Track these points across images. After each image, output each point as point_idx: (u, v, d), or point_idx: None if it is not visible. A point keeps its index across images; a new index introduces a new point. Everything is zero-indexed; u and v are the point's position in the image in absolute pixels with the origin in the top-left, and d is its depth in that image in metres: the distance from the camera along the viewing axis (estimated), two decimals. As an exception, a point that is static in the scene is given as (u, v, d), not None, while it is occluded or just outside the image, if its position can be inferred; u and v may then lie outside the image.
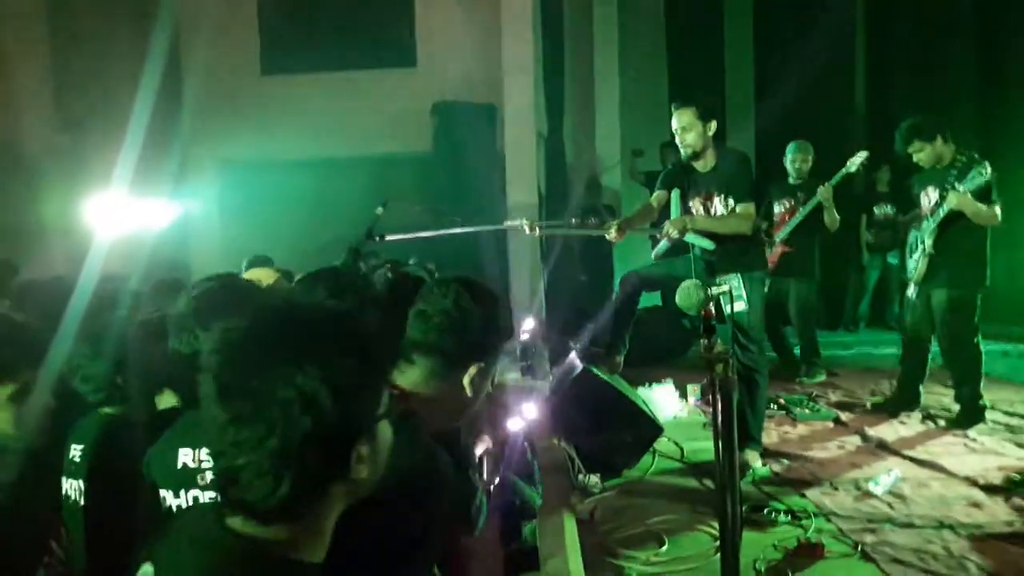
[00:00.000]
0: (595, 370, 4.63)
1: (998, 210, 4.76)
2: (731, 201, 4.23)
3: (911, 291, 5.14)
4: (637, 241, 8.48)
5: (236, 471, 1.00)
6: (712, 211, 4.29)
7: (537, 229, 4.72)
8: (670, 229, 4.22)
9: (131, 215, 6.44)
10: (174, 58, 7.58)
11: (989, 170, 4.68)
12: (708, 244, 4.26)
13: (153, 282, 3.79)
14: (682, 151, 4.26)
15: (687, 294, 2.57)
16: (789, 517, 3.63)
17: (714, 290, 2.59)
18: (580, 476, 4.06)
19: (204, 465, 1.75)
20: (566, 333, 6.42)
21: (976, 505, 3.79)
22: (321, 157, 7.63)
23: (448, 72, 8.03)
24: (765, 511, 3.67)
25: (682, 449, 4.61)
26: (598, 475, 4.13)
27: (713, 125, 4.22)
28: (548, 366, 5.45)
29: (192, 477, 1.75)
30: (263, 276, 3.72)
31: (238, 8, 8.05)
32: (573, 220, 8.48)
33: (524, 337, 5.65)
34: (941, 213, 4.83)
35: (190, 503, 1.75)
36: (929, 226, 4.93)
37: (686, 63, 9.65)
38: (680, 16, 9.93)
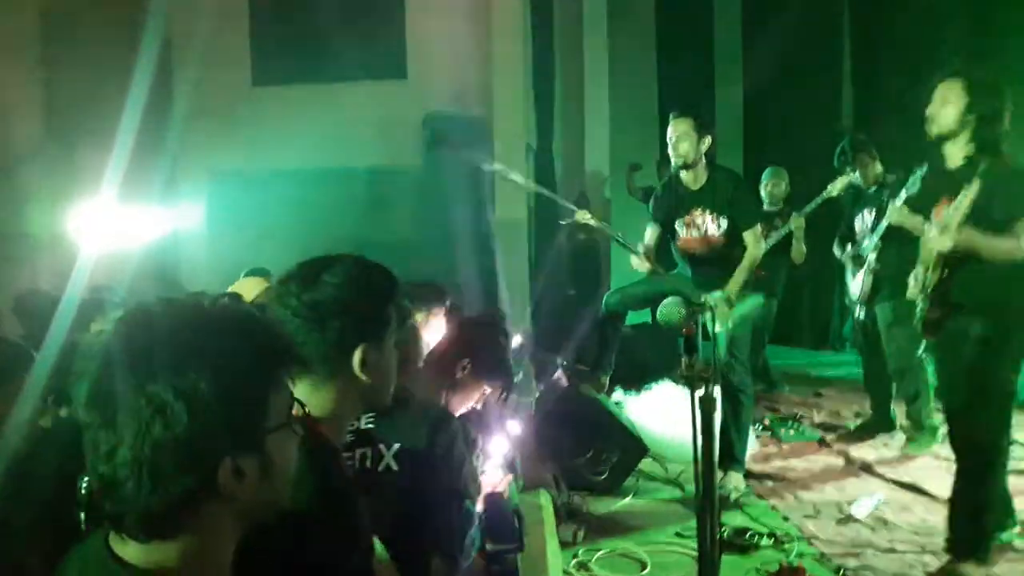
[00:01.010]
0: (581, 388, 4.65)
1: None
2: (724, 222, 4.25)
3: (860, 313, 5.12)
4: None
5: (100, 480, 0.98)
6: (703, 229, 4.30)
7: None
8: (720, 317, 4.22)
9: (120, 225, 6.42)
10: (165, 68, 7.57)
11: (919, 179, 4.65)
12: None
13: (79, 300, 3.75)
14: (674, 160, 4.27)
15: (669, 310, 2.59)
16: (771, 540, 3.65)
17: (696, 306, 2.61)
18: (564, 496, 4.06)
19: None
20: (553, 349, 6.44)
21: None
22: (311, 168, 7.63)
23: (439, 84, 8.05)
24: (747, 534, 3.69)
25: (667, 469, 4.61)
26: (582, 495, 4.14)
27: (708, 140, 4.25)
28: (534, 383, 5.45)
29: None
30: (249, 286, 3.70)
31: (230, 19, 8.05)
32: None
33: (511, 352, 5.64)
34: (882, 227, 4.72)
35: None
36: (872, 242, 4.86)
37: (676, 79, 9.70)
38: (671, 31, 9.99)
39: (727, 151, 8.80)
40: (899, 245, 4.73)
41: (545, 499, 3.79)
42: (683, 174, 4.33)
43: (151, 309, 1.04)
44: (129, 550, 1.01)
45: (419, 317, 3.19)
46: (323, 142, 7.67)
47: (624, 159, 8.82)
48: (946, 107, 3.13)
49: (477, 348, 2.75)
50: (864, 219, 5.07)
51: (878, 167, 5.11)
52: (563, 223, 5.14)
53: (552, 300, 7.86)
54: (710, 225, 4.28)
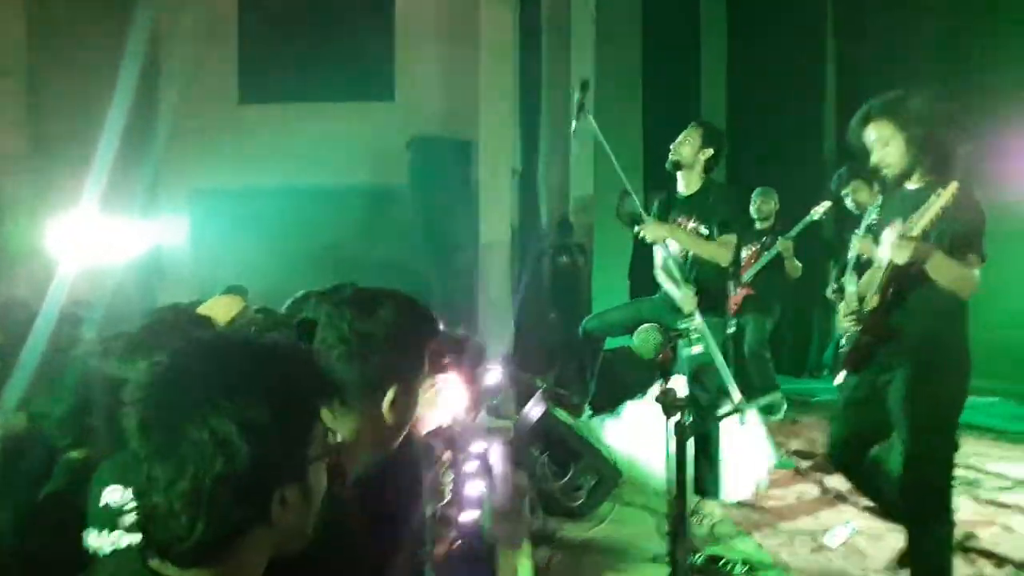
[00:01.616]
0: (558, 413, 4.65)
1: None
2: (704, 229, 4.33)
3: (844, 342, 5.14)
4: (615, 280, 8.58)
5: (152, 509, 0.99)
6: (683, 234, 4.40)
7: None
8: (646, 232, 4.26)
9: (101, 240, 6.39)
10: (151, 83, 7.58)
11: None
12: (675, 292, 4.32)
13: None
14: (670, 156, 4.41)
15: (644, 339, 2.61)
16: (745, 568, 3.65)
17: (674, 333, 2.63)
18: (539, 521, 4.05)
19: (127, 507, 1.70)
20: (534, 372, 6.44)
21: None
22: (296, 187, 7.63)
23: (426, 106, 8.10)
24: (721, 563, 3.69)
25: (643, 495, 4.60)
26: (558, 520, 4.13)
27: (708, 151, 4.36)
28: (514, 406, 5.44)
29: (113, 518, 1.71)
30: (225, 304, 3.69)
31: (217, 35, 8.08)
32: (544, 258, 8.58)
33: (490, 375, 5.65)
34: (852, 258, 4.78)
35: (111, 544, 1.69)
36: (847, 274, 4.88)
37: (661, 105, 9.79)
38: (656, 58, 10.09)
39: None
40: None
41: (525, 569, 3.74)
42: (679, 182, 4.44)
43: (204, 341, 1.08)
44: (160, 565, 1.02)
45: None
46: (308, 161, 7.69)
47: (608, 184, 8.85)
48: (887, 148, 3.05)
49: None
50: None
51: (873, 194, 5.09)
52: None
53: (533, 323, 7.87)
54: (689, 229, 4.38)
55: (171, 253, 7.67)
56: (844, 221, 5.41)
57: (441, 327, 1.77)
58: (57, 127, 7.00)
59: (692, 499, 4.30)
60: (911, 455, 3.00)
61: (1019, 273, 7.02)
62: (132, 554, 1.08)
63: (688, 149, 4.35)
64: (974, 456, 5.55)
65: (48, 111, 7.26)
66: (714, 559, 3.71)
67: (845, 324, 3.21)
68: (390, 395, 1.58)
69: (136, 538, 1.67)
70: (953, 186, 2.81)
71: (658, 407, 2.41)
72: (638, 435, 4.99)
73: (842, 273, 5.22)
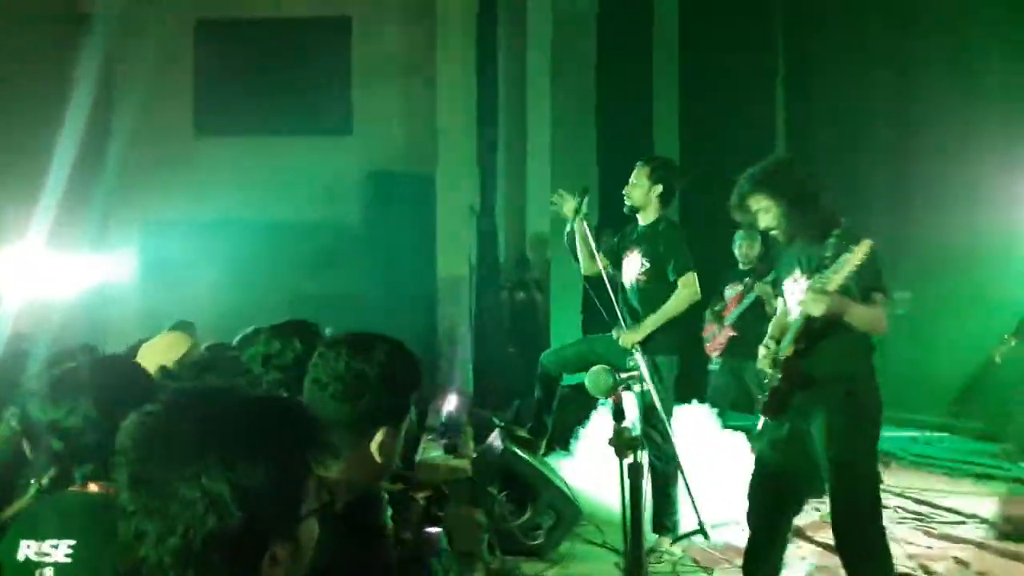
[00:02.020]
0: (518, 450, 4.62)
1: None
2: (646, 263, 4.39)
3: None
4: (572, 316, 8.60)
5: (139, 563, 0.97)
6: (632, 266, 4.49)
7: None
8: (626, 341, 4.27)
9: (47, 274, 6.23)
10: (104, 114, 7.47)
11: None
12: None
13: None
14: (625, 201, 4.51)
15: (595, 380, 2.61)
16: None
17: (623, 375, 2.64)
18: (498, 561, 3.99)
19: (46, 559, 1.66)
20: (493, 408, 6.40)
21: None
22: (251, 221, 7.54)
23: (383, 141, 8.09)
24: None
25: (603, 533, 4.58)
26: (516, 559, 4.07)
27: (659, 188, 4.43)
28: (472, 443, 5.39)
29: (32, 572, 1.66)
30: (172, 341, 3.58)
31: (173, 66, 8.00)
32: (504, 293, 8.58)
33: (448, 412, 5.59)
34: None
35: None
36: None
37: (615, 142, 9.92)
38: (610, 96, 10.25)
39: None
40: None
41: (478, 565, 3.72)
42: (639, 217, 4.52)
43: (194, 394, 1.06)
44: None
45: None
46: (264, 195, 7.62)
47: (564, 221, 8.93)
48: (770, 215, 3.25)
49: None
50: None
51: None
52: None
53: (492, 359, 7.85)
54: (635, 263, 4.46)
55: (121, 286, 7.50)
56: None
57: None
58: (4, 158, 6.84)
59: (652, 537, 4.29)
60: (839, 496, 3.17)
61: (971, 313, 7.20)
62: None
63: (638, 192, 4.44)
64: (927, 491, 5.65)
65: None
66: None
67: (764, 370, 3.33)
68: (380, 436, 1.63)
69: None
70: (866, 244, 2.98)
71: (611, 448, 2.40)
72: (596, 472, 4.98)
73: None
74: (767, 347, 3.32)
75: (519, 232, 9.50)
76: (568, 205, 4.50)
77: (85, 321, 6.71)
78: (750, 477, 3.39)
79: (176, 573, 0.95)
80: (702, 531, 4.18)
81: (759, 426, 3.42)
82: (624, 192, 4.49)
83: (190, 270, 7.18)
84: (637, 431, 2.40)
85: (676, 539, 4.24)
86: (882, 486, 4.75)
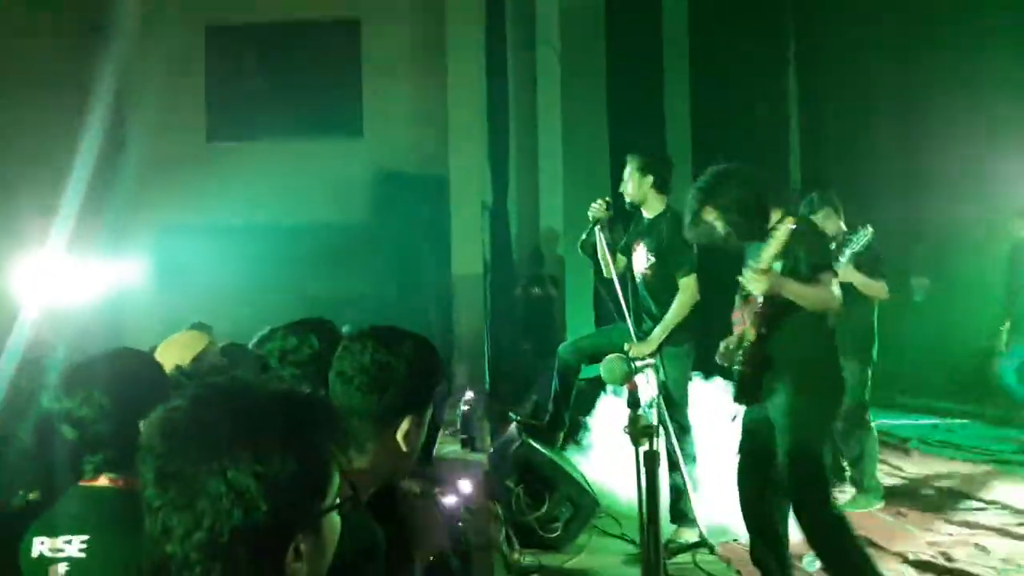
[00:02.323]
0: (535, 443, 4.62)
1: (884, 285, 4.86)
2: (652, 258, 4.42)
3: None
4: (588, 310, 8.60)
5: (165, 559, 0.97)
6: (638, 260, 4.51)
7: None
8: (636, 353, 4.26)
9: (65, 280, 6.30)
10: (119, 120, 7.54)
11: (870, 235, 4.73)
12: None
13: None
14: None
15: (610, 368, 2.60)
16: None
17: (639, 363, 2.63)
18: (516, 553, 4.00)
19: (60, 555, 1.67)
20: (509, 403, 6.40)
21: (908, 582, 3.84)
22: (265, 225, 7.60)
23: (395, 143, 8.13)
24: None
25: (621, 525, 4.58)
26: (535, 552, 4.08)
27: (650, 179, 4.44)
28: (489, 438, 5.41)
29: (45, 569, 1.67)
30: (189, 340, 3.62)
31: (185, 73, 8.07)
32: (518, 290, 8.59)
33: (465, 407, 5.61)
34: None
35: None
36: None
37: (627, 139, 9.90)
38: (622, 93, 10.22)
39: (674, 198, 8.99)
40: (848, 304, 4.82)
41: (496, 557, 3.73)
42: (644, 210, 4.54)
43: (222, 388, 1.06)
44: None
45: None
46: (277, 199, 7.67)
47: (578, 217, 8.91)
48: (722, 223, 3.34)
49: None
50: None
51: (840, 223, 5.10)
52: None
53: (508, 355, 7.86)
54: (642, 257, 4.47)
55: (138, 291, 7.57)
56: None
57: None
58: (23, 167, 6.92)
59: (670, 528, 4.29)
60: (795, 479, 3.22)
61: (990, 298, 7.14)
62: None
63: (631, 186, 4.47)
64: (949, 478, 5.60)
65: (14, 151, 7.18)
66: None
67: (724, 357, 3.41)
68: (405, 425, 1.66)
69: None
70: (787, 222, 3.11)
71: (627, 436, 2.40)
72: (613, 464, 4.98)
73: None
74: (727, 343, 3.40)
75: (533, 228, 9.52)
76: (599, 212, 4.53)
77: (102, 326, 6.78)
78: (736, 467, 3.44)
79: (203, 568, 0.96)
80: (704, 543, 4.17)
81: (738, 414, 3.44)
82: (620, 191, 4.55)
83: (206, 274, 7.24)
84: (652, 419, 2.39)
85: (680, 550, 4.22)
86: (901, 474, 4.76)
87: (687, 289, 4.29)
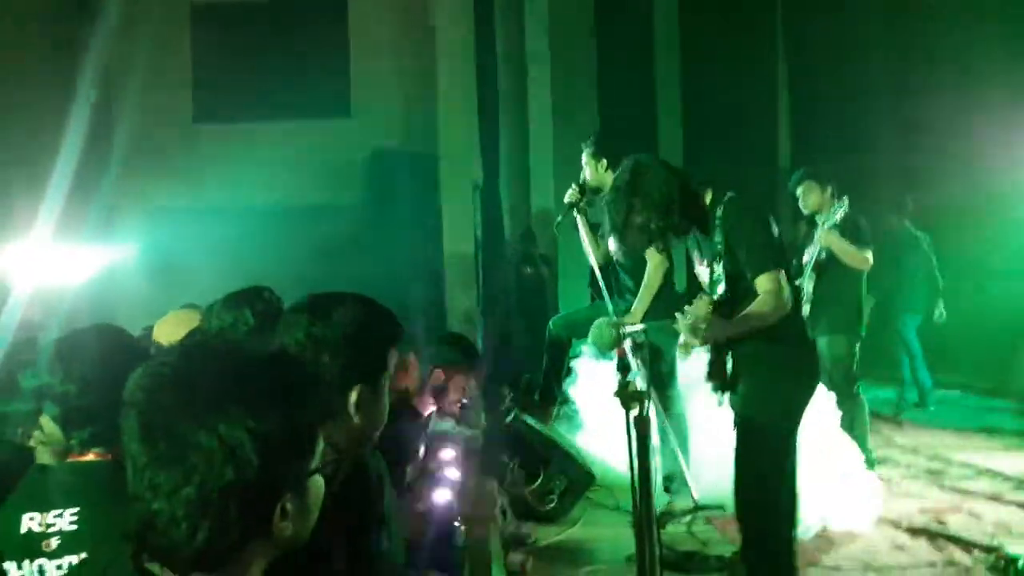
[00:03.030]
0: (528, 418, 4.64)
1: (869, 254, 4.82)
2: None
3: None
4: (579, 288, 8.59)
5: (152, 516, 0.96)
6: (610, 241, 4.47)
7: None
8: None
9: (54, 263, 6.25)
10: (104, 103, 7.47)
11: (846, 205, 4.73)
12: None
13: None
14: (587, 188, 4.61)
15: (599, 332, 2.57)
16: (720, 565, 3.64)
17: (629, 328, 2.61)
18: (511, 525, 4.01)
19: (51, 530, 1.66)
20: (502, 380, 6.41)
21: (900, 548, 3.87)
22: (253, 206, 7.55)
23: (383, 122, 8.07)
24: (695, 558, 3.68)
25: (615, 495, 4.59)
26: (529, 524, 4.09)
27: (604, 163, 4.49)
28: (483, 415, 5.41)
29: (37, 543, 1.66)
30: (180, 319, 3.62)
31: (171, 54, 7.99)
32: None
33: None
34: (815, 255, 4.79)
35: (34, 574, 1.64)
36: (806, 273, 4.84)
37: (617, 117, 9.88)
38: (612, 72, 10.19)
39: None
40: (831, 276, 4.82)
41: (492, 530, 3.74)
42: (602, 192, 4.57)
43: (212, 346, 1.07)
44: (158, 568, 1.00)
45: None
46: (265, 180, 7.62)
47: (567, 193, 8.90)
48: (643, 219, 3.01)
49: None
50: (810, 250, 5.12)
51: (823, 197, 5.03)
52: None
53: (501, 333, 7.85)
54: (612, 239, 4.43)
55: (127, 274, 7.53)
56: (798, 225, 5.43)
57: (400, 327, 1.71)
58: (7, 150, 6.86)
59: (664, 498, 4.31)
60: (737, 459, 2.99)
61: (975, 274, 7.20)
62: (125, 556, 1.03)
63: (588, 172, 4.53)
64: (940, 447, 5.65)
65: (-1, 135, 7.11)
66: (688, 556, 3.71)
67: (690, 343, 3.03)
68: (354, 396, 1.56)
69: (61, 562, 1.63)
70: (706, 194, 2.88)
71: (616, 401, 2.38)
72: (607, 436, 4.99)
73: (799, 271, 5.28)
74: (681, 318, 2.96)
75: (524, 207, 9.49)
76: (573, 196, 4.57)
77: (91, 310, 6.73)
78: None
79: (190, 525, 0.95)
80: (699, 509, 4.18)
81: (721, 400, 3.12)
82: (580, 178, 4.59)
83: (194, 256, 7.19)
84: (643, 384, 2.37)
85: (673, 516, 4.23)
86: (894, 444, 4.75)
87: (652, 259, 4.36)
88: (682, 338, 2.84)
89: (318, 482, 1.08)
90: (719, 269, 2.90)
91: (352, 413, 1.56)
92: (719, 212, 2.88)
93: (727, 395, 3.05)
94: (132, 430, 0.98)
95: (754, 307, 2.83)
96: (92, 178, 6.86)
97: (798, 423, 2.99)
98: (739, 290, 2.88)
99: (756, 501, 2.97)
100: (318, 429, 1.06)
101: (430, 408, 3.23)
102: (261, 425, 0.96)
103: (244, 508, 0.97)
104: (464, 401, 3.55)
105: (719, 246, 2.89)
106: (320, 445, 1.07)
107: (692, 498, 4.26)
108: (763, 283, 2.81)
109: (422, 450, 3.01)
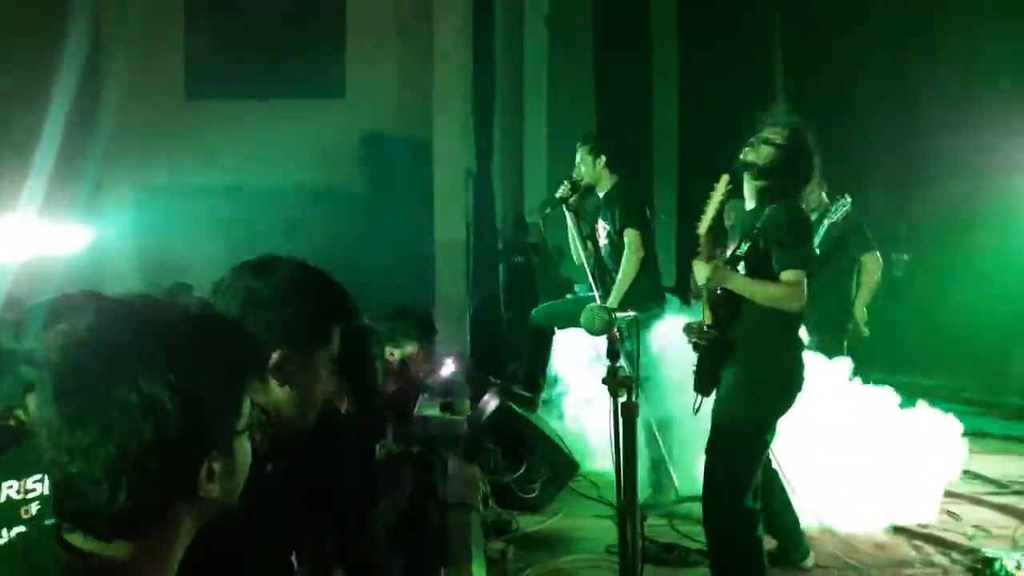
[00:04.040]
0: (514, 407, 4.63)
1: (879, 255, 4.89)
2: (608, 225, 4.65)
3: None
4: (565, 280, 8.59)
5: (69, 480, 0.92)
6: (600, 235, 4.74)
7: None
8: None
9: (42, 240, 6.20)
10: (95, 77, 7.39)
11: (848, 204, 4.79)
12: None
13: None
14: (580, 183, 4.75)
15: (590, 317, 2.57)
16: (700, 557, 3.64)
17: (620, 314, 2.62)
18: (493, 514, 4.01)
19: (30, 496, 1.65)
20: (489, 369, 6.41)
21: (879, 547, 3.88)
22: (244, 185, 7.50)
23: (378, 105, 8.02)
24: (676, 551, 3.69)
25: (598, 486, 4.60)
26: (512, 512, 4.10)
27: (603, 159, 4.67)
28: (469, 402, 5.42)
29: (16, 511, 1.65)
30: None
31: (163, 29, 7.90)
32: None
33: (446, 372, 5.63)
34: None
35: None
36: None
37: (613, 109, 9.86)
38: (609, 63, 10.15)
39: (663, 180, 8.99)
40: (824, 275, 4.83)
41: (473, 516, 3.74)
42: (598, 189, 4.74)
43: (133, 302, 1.00)
44: (80, 539, 0.95)
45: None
46: (257, 159, 7.56)
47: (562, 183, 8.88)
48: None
49: None
50: None
51: (822, 195, 5.06)
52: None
53: (489, 321, 7.84)
54: (602, 230, 4.69)
55: (116, 252, 7.47)
56: None
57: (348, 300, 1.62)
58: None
59: (647, 491, 4.32)
60: (708, 465, 3.01)
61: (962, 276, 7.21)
62: (46, 529, 1.00)
63: (586, 168, 4.67)
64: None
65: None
66: (668, 547, 3.71)
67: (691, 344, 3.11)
68: (275, 357, 1.44)
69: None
70: (723, 180, 2.98)
71: (606, 386, 2.39)
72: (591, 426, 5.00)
73: None
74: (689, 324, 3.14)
75: (517, 195, 9.47)
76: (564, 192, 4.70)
77: (79, 287, 6.69)
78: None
79: (110, 484, 0.91)
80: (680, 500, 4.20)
81: (696, 405, 3.14)
82: (573, 176, 4.72)
83: (184, 235, 7.15)
84: (630, 371, 2.38)
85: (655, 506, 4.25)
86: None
87: (631, 242, 4.50)
88: (699, 276, 2.91)
89: (245, 444, 1.04)
90: (744, 247, 2.96)
91: (272, 377, 1.44)
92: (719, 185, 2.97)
93: (703, 399, 3.08)
94: (46, 393, 0.94)
95: (770, 285, 2.90)
96: (81, 153, 6.80)
97: (773, 432, 3.05)
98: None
99: (721, 501, 2.98)
100: (244, 388, 1.03)
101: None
102: (183, 380, 0.93)
103: (166, 466, 0.93)
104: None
105: (756, 232, 2.93)
106: (247, 406, 1.04)
107: (674, 489, 4.27)
108: (788, 276, 2.89)
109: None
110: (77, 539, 0.95)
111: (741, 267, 2.97)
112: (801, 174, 3.08)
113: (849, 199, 4.83)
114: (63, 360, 0.94)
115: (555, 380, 5.10)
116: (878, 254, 4.92)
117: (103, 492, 0.91)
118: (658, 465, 4.37)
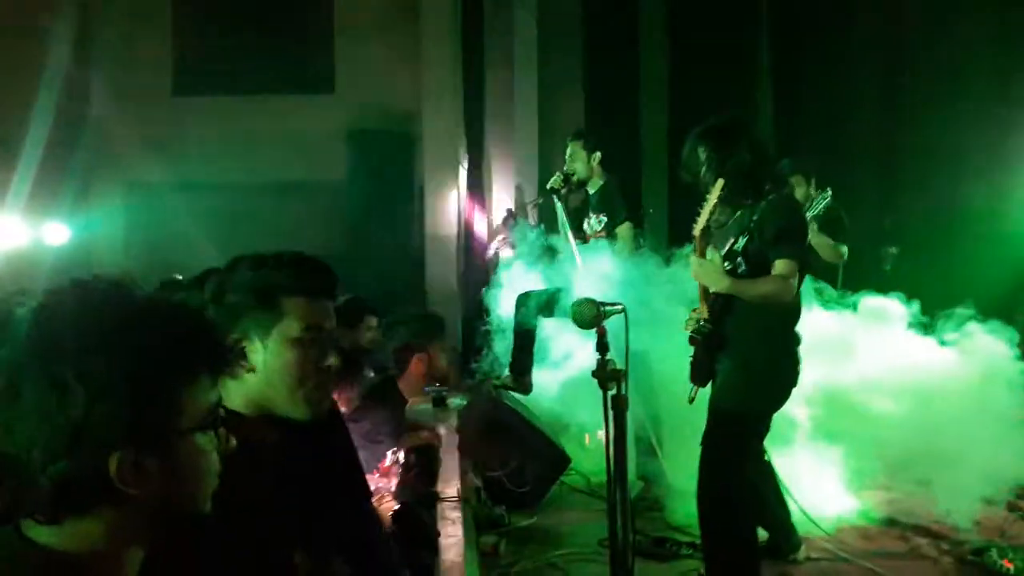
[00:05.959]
0: (505, 399, 4.63)
1: (844, 250, 4.98)
2: (603, 217, 4.76)
3: None
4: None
5: (2, 456, 0.94)
6: (592, 228, 4.84)
7: None
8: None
9: (26, 237, 6.17)
10: (82, 73, 7.34)
11: (829, 197, 4.87)
12: None
13: None
14: (572, 177, 4.88)
15: (580, 311, 2.55)
16: (691, 550, 3.66)
17: (609, 307, 2.60)
18: (486, 508, 4.02)
19: None
20: (480, 363, 6.40)
21: (867, 538, 3.91)
22: (232, 182, 7.46)
23: (366, 99, 7.99)
24: (667, 544, 3.70)
25: (589, 480, 4.61)
26: (504, 507, 4.10)
27: (597, 156, 4.80)
28: (460, 396, 5.41)
29: None
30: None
31: (150, 25, 7.86)
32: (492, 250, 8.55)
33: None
34: None
35: None
36: None
37: (603, 103, 9.84)
38: (599, 58, 10.14)
39: (653, 176, 8.98)
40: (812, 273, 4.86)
41: (465, 511, 3.74)
42: (588, 185, 4.88)
43: (69, 290, 1.00)
44: (38, 531, 0.97)
45: None
46: (245, 155, 7.53)
47: (552, 177, 8.87)
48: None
49: None
50: None
51: (809, 190, 5.11)
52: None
53: (480, 316, 7.82)
54: (594, 223, 4.80)
55: (104, 247, 7.44)
56: None
57: (324, 284, 1.62)
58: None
59: (638, 484, 4.33)
60: (703, 456, 3.06)
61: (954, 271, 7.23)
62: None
63: (580, 165, 4.79)
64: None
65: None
66: (659, 541, 3.73)
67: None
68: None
69: None
70: (718, 184, 2.97)
71: (596, 378, 2.37)
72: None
73: None
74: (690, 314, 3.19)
75: (508, 188, 9.43)
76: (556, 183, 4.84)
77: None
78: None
79: (25, 461, 0.93)
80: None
81: (691, 395, 3.19)
82: (566, 170, 4.83)
83: (173, 230, 7.12)
84: (620, 363, 2.37)
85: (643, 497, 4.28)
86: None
87: (623, 237, 4.61)
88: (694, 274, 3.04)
89: (192, 446, 1.01)
90: (741, 242, 3.00)
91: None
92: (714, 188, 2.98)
93: (698, 389, 3.15)
94: None
95: (759, 282, 2.96)
96: (68, 150, 6.76)
97: (766, 426, 3.12)
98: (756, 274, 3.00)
99: (714, 493, 3.03)
100: (186, 384, 1.00)
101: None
102: (90, 367, 0.93)
103: (69, 448, 0.93)
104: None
105: (752, 226, 2.98)
106: (203, 404, 1.02)
107: (666, 482, 4.28)
108: (779, 267, 2.94)
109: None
110: (31, 529, 0.97)
111: (740, 262, 3.02)
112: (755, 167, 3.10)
113: (830, 192, 4.92)
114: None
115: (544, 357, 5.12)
116: (844, 249, 5.00)
117: (24, 469, 0.94)
118: (650, 458, 4.38)
